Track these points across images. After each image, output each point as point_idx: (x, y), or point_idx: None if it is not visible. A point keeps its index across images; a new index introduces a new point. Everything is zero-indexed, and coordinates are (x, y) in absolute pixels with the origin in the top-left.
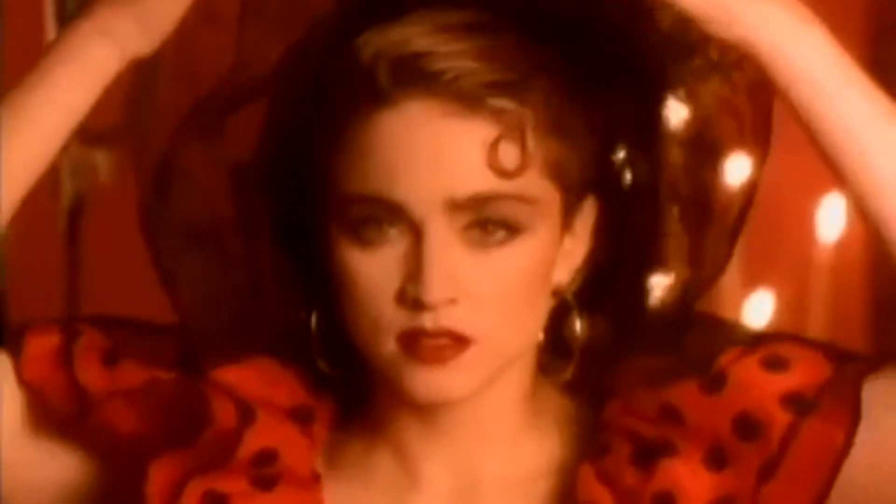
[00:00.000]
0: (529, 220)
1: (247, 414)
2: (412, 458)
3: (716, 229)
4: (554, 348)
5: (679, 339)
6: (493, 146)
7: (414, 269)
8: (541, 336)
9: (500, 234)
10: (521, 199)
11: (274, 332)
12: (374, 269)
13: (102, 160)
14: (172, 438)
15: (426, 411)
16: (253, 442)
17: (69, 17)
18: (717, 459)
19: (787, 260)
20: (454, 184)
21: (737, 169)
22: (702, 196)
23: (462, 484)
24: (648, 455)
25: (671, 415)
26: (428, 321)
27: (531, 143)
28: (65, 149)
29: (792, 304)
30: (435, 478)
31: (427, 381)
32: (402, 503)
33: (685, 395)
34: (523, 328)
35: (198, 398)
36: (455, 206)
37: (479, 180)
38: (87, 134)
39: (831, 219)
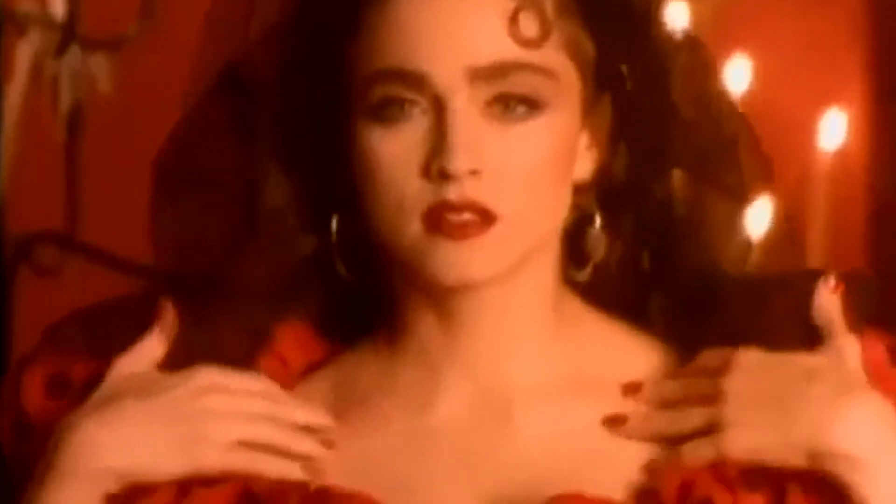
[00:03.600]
0: (550, 97)
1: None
2: (434, 365)
3: (718, 140)
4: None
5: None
6: (513, 17)
7: (438, 141)
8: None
9: (522, 109)
10: (541, 70)
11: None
12: (397, 146)
13: (101, 69)
14: None
15: (449, 314)
16: None
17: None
18: None
19: (787, 170)
20: (475, 52)
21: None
22: (703, 106)
23: (485, 391)
24: None
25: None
26: (453, 192)
27: (549, 16)
28: (64, 57)
29: (791, 214)
30: (456, 384)
31: (451, 259)
32: (427, 409)
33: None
34: (546, 212)
35: None
36: (477, 75)
37: (500, 48)
38: (87, 42)
39: (832, 129)
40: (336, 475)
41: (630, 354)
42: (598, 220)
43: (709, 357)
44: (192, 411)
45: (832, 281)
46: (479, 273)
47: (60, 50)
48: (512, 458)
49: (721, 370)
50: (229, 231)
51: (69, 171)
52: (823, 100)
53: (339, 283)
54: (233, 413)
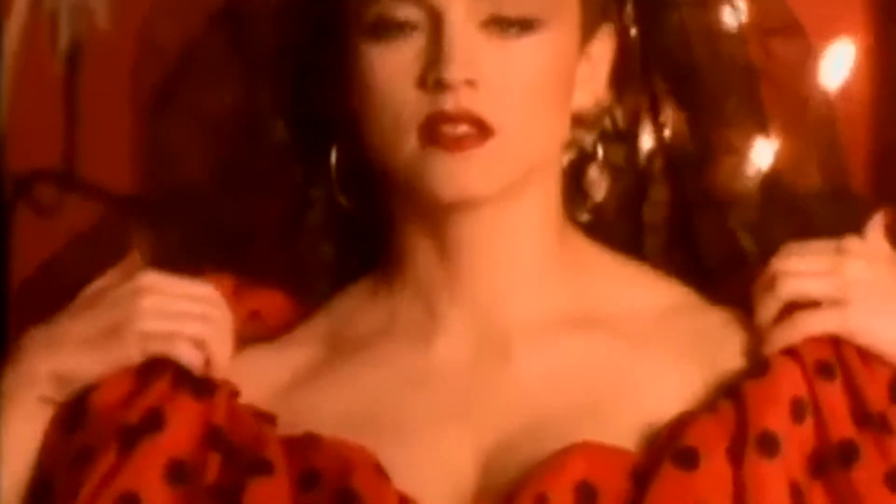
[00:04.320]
0: (548, 15)
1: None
2: (433, 301)
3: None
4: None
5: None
6: None
7: (434, 52)
8: (564, 161)
9: (518, 28)
10: None
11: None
12: (394, 61)
13: (100, 5)
14: None
15: (447, 241)
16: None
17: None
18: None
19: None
20: None
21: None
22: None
23: (485, 327)
24: None
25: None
26: (449, 102)
27: None
28: None
29: (794, 154)
30: (455, 320)
31: (448, 171)
32: (425, 347)
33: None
34: (544, 130)
35: None
36: None
37: None
38: None
39: (835, 66)
40: (334, 421)
41: (637, 290)
42: (599, 155)
43: (816, 243)
44: (123, 310)
45: (881, 215)
46: (476, 187)
47: None
48: (511, 398)
49: (837, 251)
50: (223, 165)
51: (67, 107)
52: (825, 36)
53: (334, 228)
54: (162, 312)
